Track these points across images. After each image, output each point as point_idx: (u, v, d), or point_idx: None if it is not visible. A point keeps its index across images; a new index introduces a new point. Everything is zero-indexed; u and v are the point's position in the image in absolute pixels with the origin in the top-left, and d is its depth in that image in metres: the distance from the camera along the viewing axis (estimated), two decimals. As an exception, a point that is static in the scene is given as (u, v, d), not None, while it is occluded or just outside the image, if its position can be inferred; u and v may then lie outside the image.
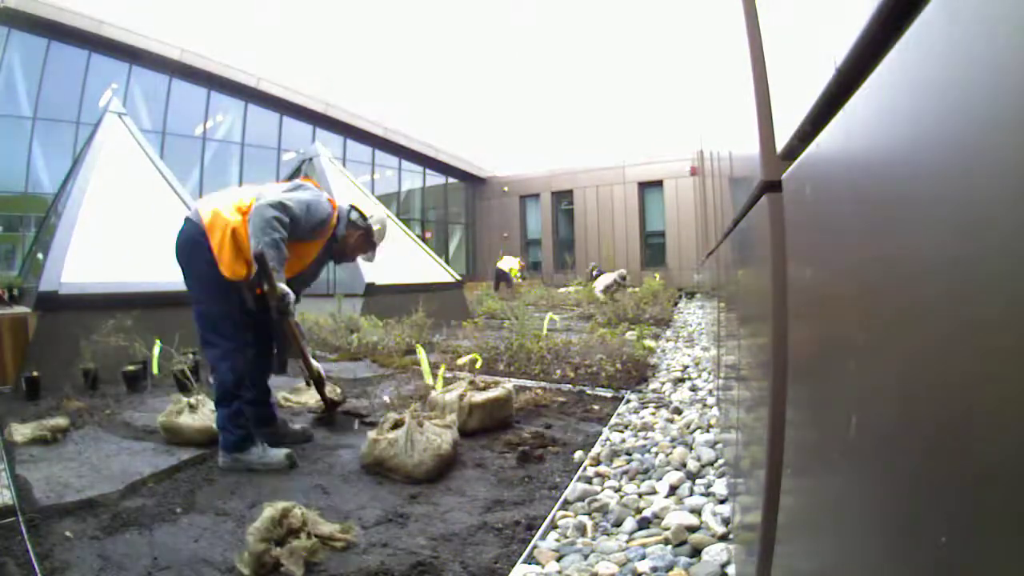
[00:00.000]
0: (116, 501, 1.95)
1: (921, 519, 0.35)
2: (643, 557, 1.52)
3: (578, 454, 2.37)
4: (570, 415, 3.03)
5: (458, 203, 21.94)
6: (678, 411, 2.98)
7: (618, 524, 1.75)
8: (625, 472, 2.16)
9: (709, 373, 3.84)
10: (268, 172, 16.23)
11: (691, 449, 2.34)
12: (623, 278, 11.31)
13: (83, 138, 9.03)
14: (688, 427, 2.66)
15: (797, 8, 0.72)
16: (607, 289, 10.59)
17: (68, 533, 1.69)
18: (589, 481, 2.10)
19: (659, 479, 2.06)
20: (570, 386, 3.64)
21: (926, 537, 0.33)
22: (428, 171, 20.74)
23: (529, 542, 1.63)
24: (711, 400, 3.13)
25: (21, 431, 2.66)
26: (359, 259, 2.85)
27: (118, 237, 4.90)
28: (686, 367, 4.18)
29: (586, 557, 1.55)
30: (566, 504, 1.91)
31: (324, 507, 1.85)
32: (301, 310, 6.67)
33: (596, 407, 3.16)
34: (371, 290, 7.13)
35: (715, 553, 1.51)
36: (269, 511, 1.55)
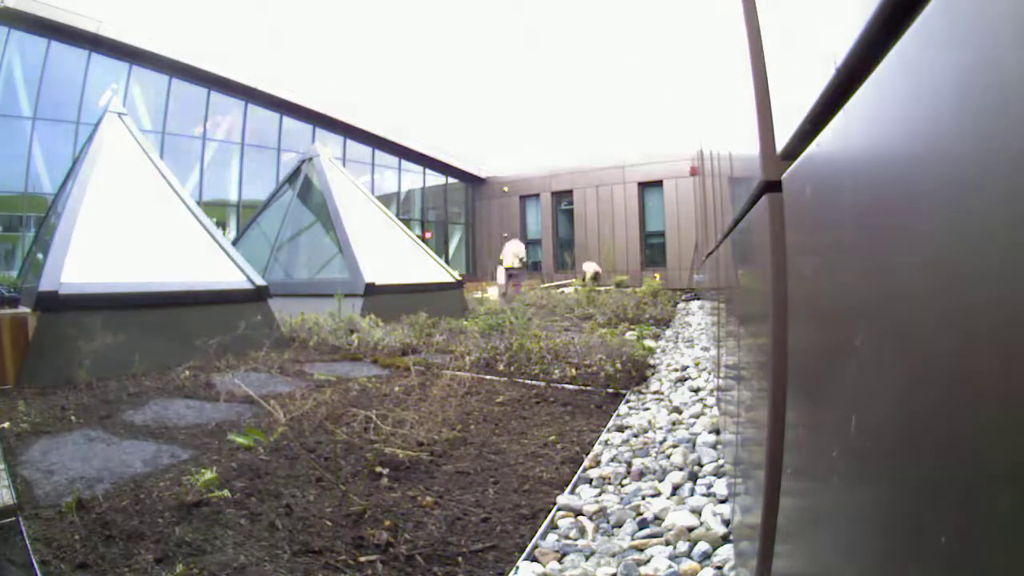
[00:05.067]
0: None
1: (921, 519, 0.35)
2: (644, 559, 1.52)
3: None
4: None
5: (458, 203, 21.94)
6: (678, 411, 2.98)
7: (619, 525, 1.75)
8: (627, 473, 2.15)
9: (709, 373, 3.84)
10: (268, 172, 16.25)
11: (692, 450, 2.34)
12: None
13: (83, 138, 9.03)
14: (688, 428, 2.66)
15: (797, 8, 0.72)
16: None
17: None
18: (589, 482, 2.10)
19: (660, 480, 2.06)
20: (570, 386, 3.64)
21: (926, 537, 0.33)
22: (428, 171, 20.75)
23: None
24: (711, 400, 3.13)
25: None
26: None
27: (118, 237, 4.90)
28: (686, 367, 4.18)
29: (587, 558, 1.55)
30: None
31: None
32: (301, 310, 6.74)
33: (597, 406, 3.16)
34: (371, 290, 7.13)
35: (715, 553, 1.51)
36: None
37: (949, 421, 0.32)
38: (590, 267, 16.45)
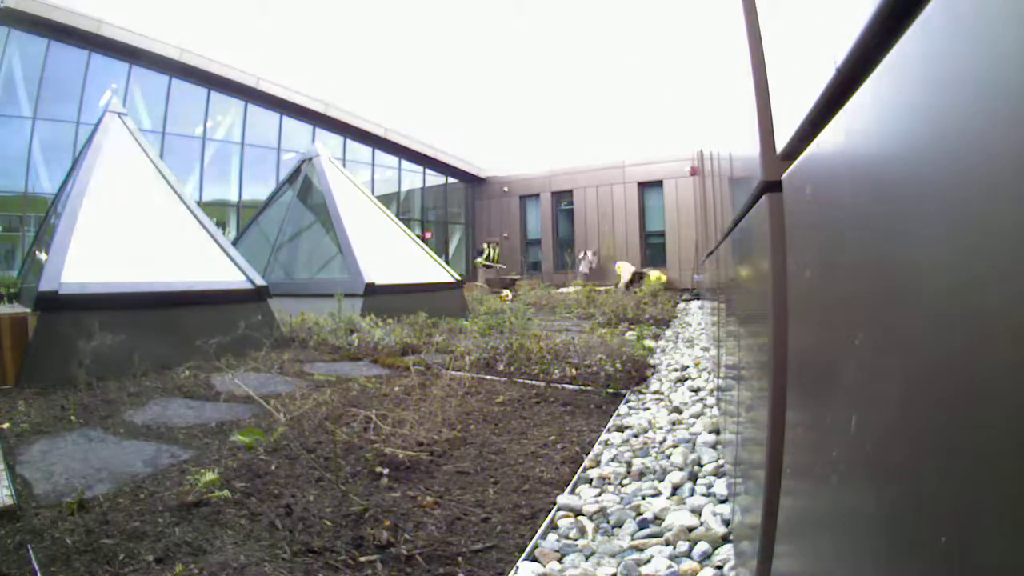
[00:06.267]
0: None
1: (921, 519, 0.35)
2: (644, 559, 1.52)
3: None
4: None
5: (458, 203, 21.93)
6: (678, 411, 2.98)
7: (619, 525, 1.75)
8: (627, 473, 2.15)
9: (709, 373, 3.84)
10: (268, 172, 16.25)
11: (692, 449, 2.34)
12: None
13: (83, 138, 9.03)
14: (688, 427, 2.66)
15: (797, 8, 0.72)
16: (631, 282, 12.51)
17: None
18: (589, 482, 2.10)
19: (660, 480, 2.06)
20: (570, 386, 3.64)
21: (926, 537, 0.33)
22: (428, 171, 20.74)
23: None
24: (711, 400, 3.13)
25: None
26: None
27: (118, 237, 4.90)
28: (686, 367, 4.18)
29: (587, 558, 1.55)
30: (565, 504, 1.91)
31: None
32: (301, 310, 6.73)
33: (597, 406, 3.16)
34: (371, 290, 7.13)
35: (715, 553, 1.51)
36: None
37: (949, 421, 0.32)
38: (626, 268, 12.77)
